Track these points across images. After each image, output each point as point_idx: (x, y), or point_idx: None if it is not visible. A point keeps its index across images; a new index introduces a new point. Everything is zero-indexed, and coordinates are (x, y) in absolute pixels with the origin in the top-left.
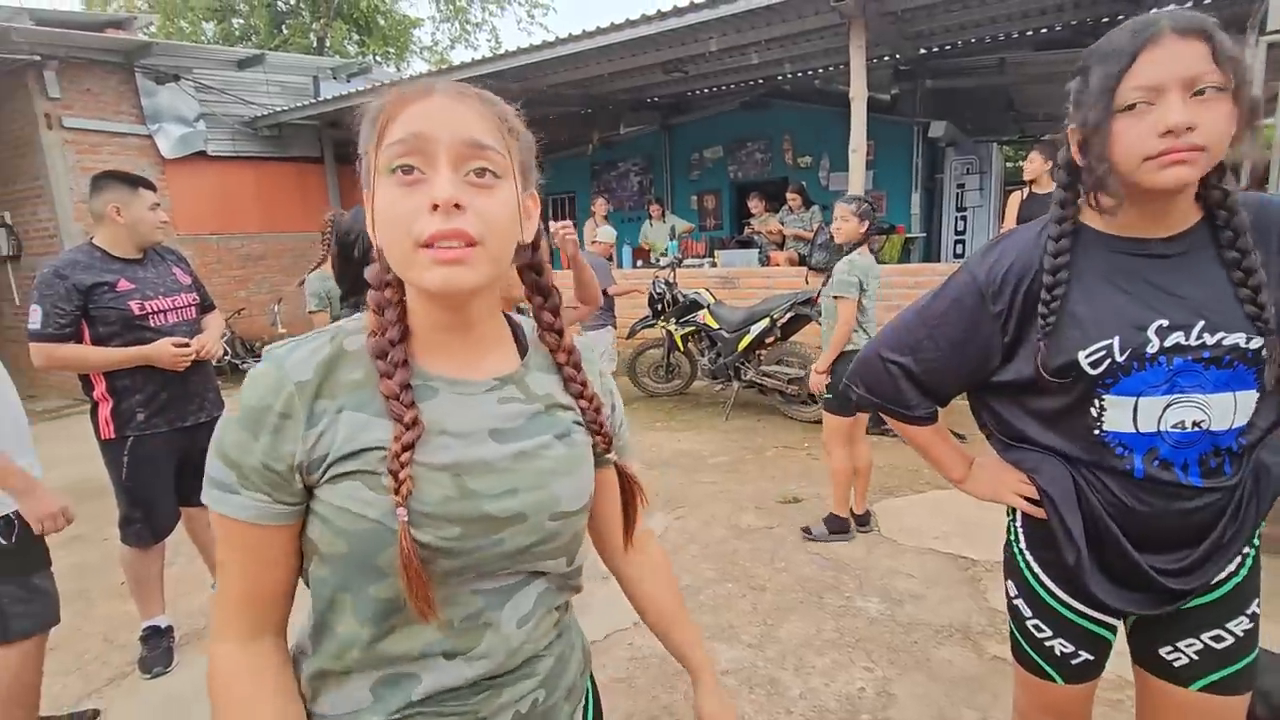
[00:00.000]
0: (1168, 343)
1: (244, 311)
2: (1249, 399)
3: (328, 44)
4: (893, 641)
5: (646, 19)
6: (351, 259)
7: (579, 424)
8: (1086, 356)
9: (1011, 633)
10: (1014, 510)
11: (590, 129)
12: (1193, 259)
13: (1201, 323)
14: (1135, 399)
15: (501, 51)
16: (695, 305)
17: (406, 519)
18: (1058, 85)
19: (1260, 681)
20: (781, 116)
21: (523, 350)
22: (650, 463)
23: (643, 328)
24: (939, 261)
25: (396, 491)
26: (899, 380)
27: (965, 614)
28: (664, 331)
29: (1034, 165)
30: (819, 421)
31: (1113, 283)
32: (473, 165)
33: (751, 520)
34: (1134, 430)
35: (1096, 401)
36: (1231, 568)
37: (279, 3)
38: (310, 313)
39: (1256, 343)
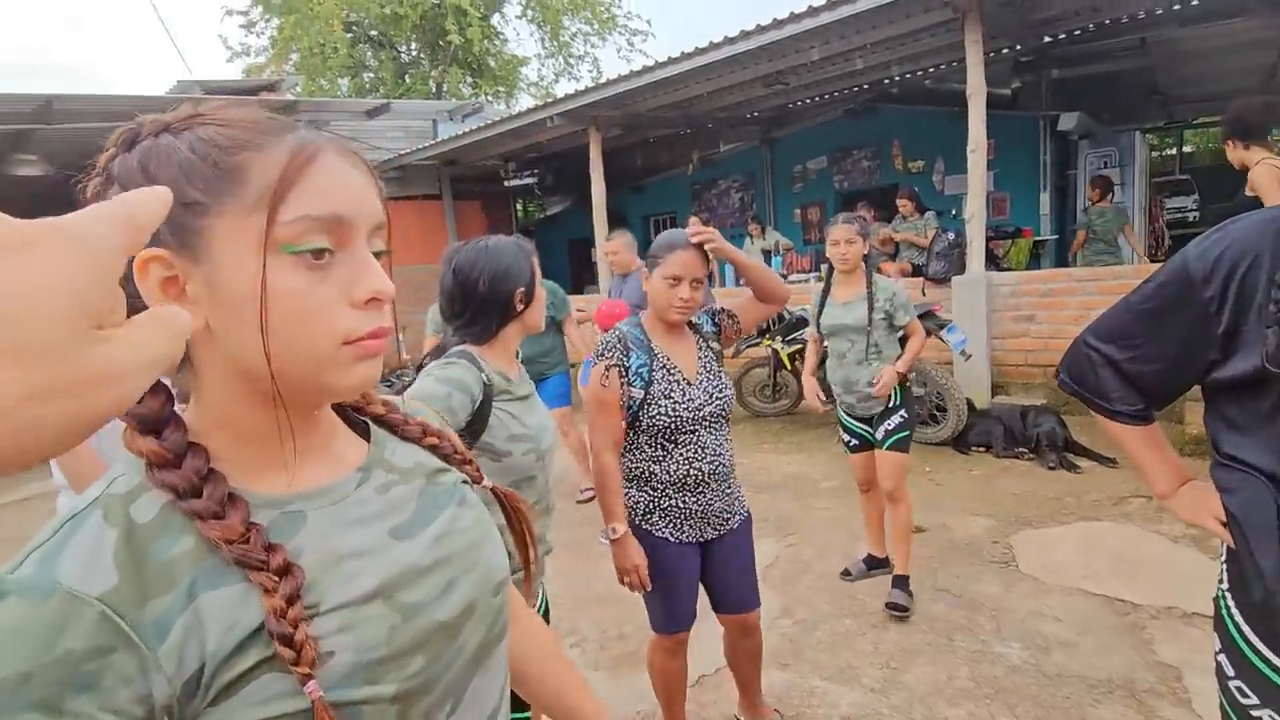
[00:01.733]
0: None
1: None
2: None
3: (445, 88)
4: (1040, 696)
5: (745, 34)
6: (475, 294)
7: (465, 482)
8: None
9: (1219, 696)
10: (1226, 548)
11: (690, 149)
12: None
13: None
14: None
15: (602, 81)
16: (802, 322)
17: (320, 693)
18: (1213, 60)
19: None
20: (889, 121)
21: (353, 423)
22: (759, 486)
23: (748, 346)
24: (1075, 266)
25: (296, 662)
26: (1100, 369)
27: (1128, 667)
28: (769, 350)
29: (1233, 154)
30: (941, 443)
31: None
32: (375, 246)
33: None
34: None
35: None
36: None
37: (402, 55)
38: (429, 336)
39: None
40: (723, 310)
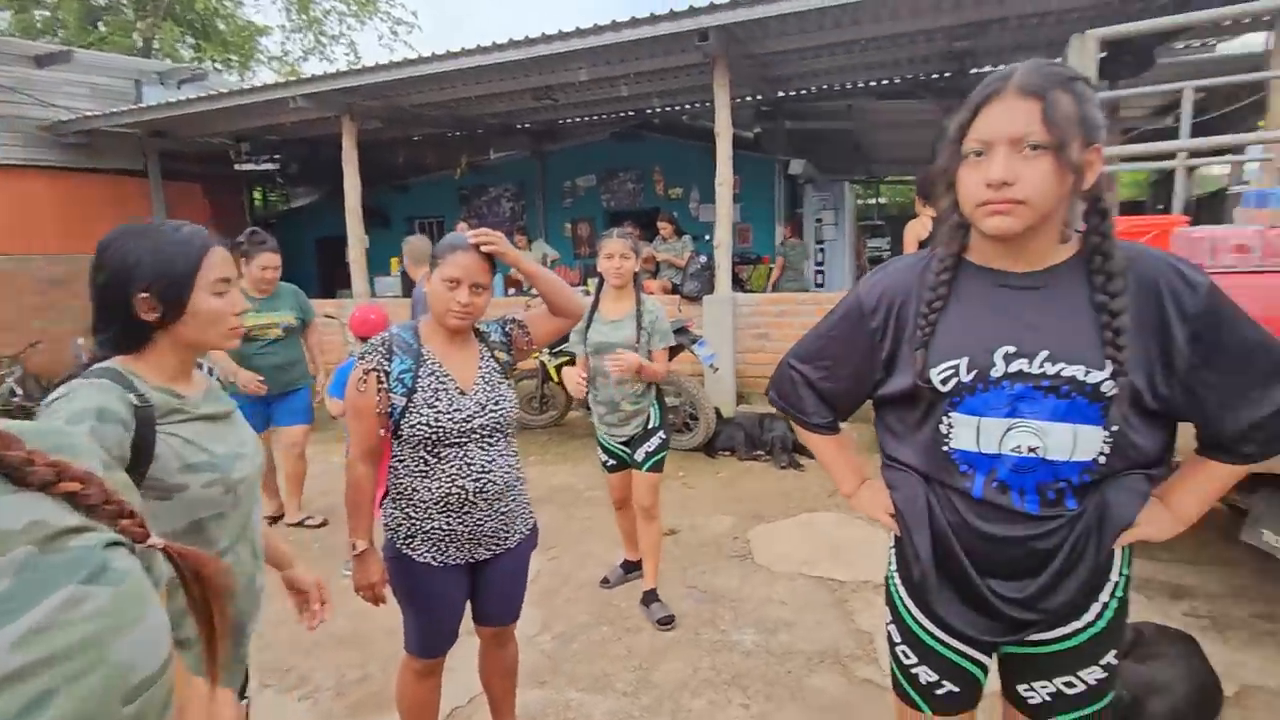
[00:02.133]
0: (1011, 367)
1: (39, 344)
2: (1092, 434)
3: (155, 46)
4: (768, 673)
5: (515, 44)
6: (94, 291)
7: (116, 543)
8: (939, 373)
9: (889, 658)
10: (894, 535)
11: (459, 152)
12: (1054, 293)
13: (1045, 352)
14: (979, 419)
15: (359, 66)
16: (568, 334)
17: None
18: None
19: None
20: (652, 148)
21: None
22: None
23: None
24: (776, 289)
25: None
26: (800, 387)
27: (835, 639)
28: (537, 362)
29: (917, 204)
30: (696, 449)
31: (975, 309)
32: None
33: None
34: (977, 449)
35: (945, 419)
36: (1090, 617)
37: None
38: None
39: (1095, 377)
40: (513, 320)
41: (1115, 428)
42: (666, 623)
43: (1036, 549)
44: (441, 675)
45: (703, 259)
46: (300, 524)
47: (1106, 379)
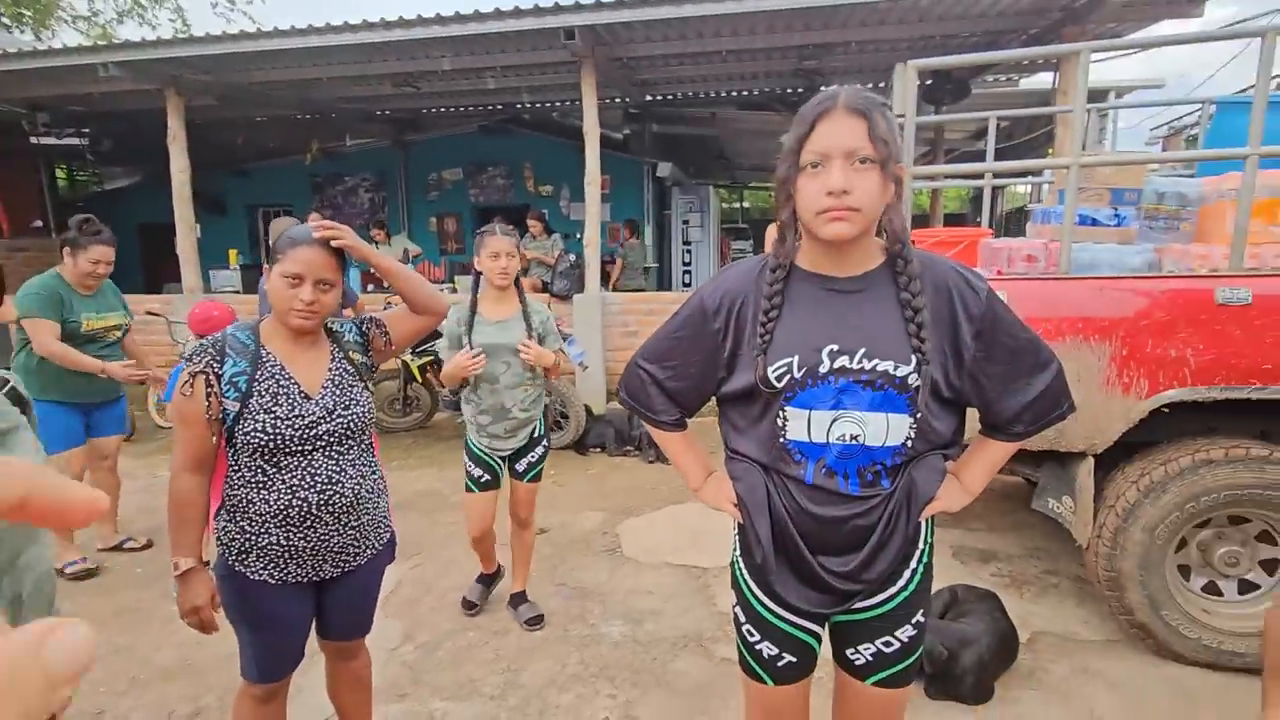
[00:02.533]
0: (835, 364)
1: None
2: (901, 421)
3: None
4: (634, 662)
5: (370, 25)
6: None
7: None
8: (774, 371)
9: (736, 639)
10: (737, 523)
11: (309, 136)
12: (870, 296)
13: (864, 349)
14: (809, 412)
15: (187, 36)
16: (434, 334)
17: None
18: (756, 140)
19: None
20: (523, 144)
21: None
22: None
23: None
24: (669, 290)
25: None
26: (648, 386)
27: (697, 622)
28: (400, 362)
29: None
30: (567, 447)
31: (806, 311)
32: None
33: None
34: (808, 439)
35: (781, 412)
36: (901, 583)
37: None
38: None
39: (903, 370)
40: (370, 319)
41: (919, 415)
42: (535, 623)
43: (858, 526)
44: (286, 699)
45: (572, 257)
46: (118, 547)
47: (912, 372)
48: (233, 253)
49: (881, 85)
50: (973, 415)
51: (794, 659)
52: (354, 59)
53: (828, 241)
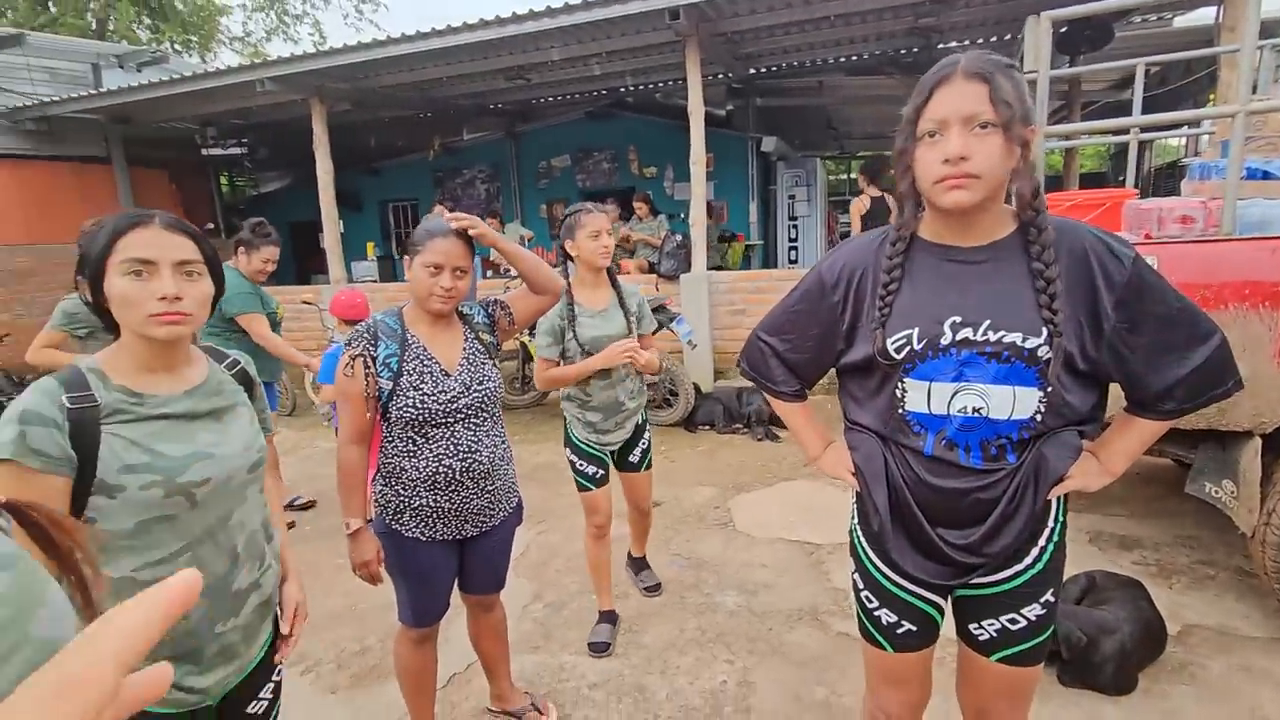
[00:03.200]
0: (958, 336)
1: (8, 337)
2: (1029, 395)
3: (110, 28)
4: (750, 631)
5: (485, 23)
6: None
7: None
8: (892, 343)
9: (855, 604)
10: (855, 492)
11: (431, 133)
12: (998, 266)
13: (989, 321)
14: (929, 383)
15: (327, 48)
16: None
17: None
18: (867, 107)
19: (1060, 627)
20: (627, 127)
21: None
22: None
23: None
24: (775, 267)
25: None
26: (768, 358)
27: (812, 597)
28: (518, 343)
29: (860, 181)
30: (676, 424)
31: (927, 283)
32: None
33: (613, 529)
34: (928, 411)
35: (900, 384)
36: (1029, 560)
37: None
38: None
39: (1032, 342)
40: (496, 302)
41: (1050, 389)
42: (653, 590)
43: (980, 499)
44: (436, 643)
45: (678, 237)
46: (290, 505)
47: (1042, 344)
48: (370, 245)
49: (1009, 39)
50: (1117, 391)
51: (913, 628)
52: (470, 56)
53: (948, 211)
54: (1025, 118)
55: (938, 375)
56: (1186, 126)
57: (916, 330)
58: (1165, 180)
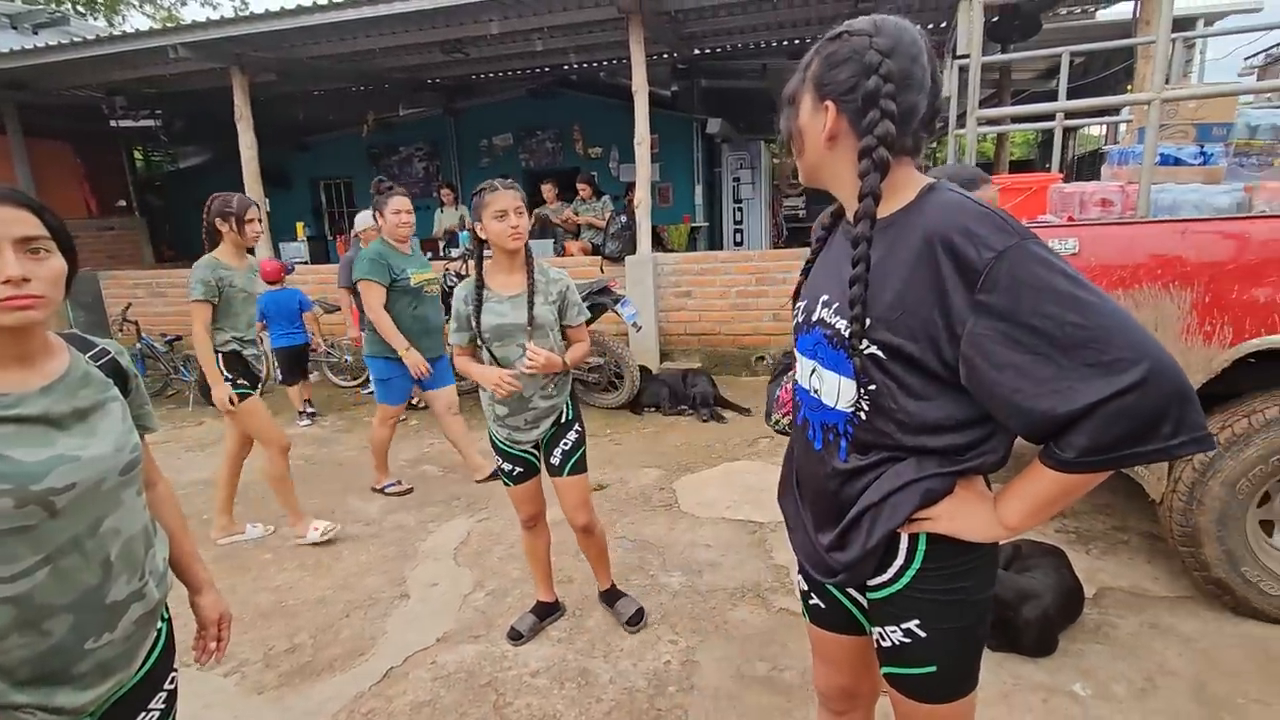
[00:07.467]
0: (815, 315)
1: None
2: (849, 386)
3: None
4: (694, 610)
5: None
6: None
7: None
8: (794, 315)
9: (795, 584)
10: None
11: (365, 108)
12: (877, 242)
13: (838, 302)
14: (802, 357)
15: (248, 14)
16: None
17: None
18: None
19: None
20: (571, 106)
21: None
22: (448, 465)
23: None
24: (721, 249)
25: None
26: None
27: (755, 574)
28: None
29: None
30: (622, 407)
31: (829, 258)
32: None
33: (555, 513)
34: (805, 386)
35: (798, 355)
36: (890, 574)
37: None
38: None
39: (840, 323)
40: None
41: (871, 385)
42: (635, 621)
43: (839, 497)
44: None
45: (623, 219)
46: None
47: (849, 327)
48: (300, 226)
49: (944, 25)
50: None
51: (821, 604)
52: (405, 27)
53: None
54: (831, 88)
55: (804, 351)
56: (1107, 114)
57: (804, 304)
58: (1088, 167)
